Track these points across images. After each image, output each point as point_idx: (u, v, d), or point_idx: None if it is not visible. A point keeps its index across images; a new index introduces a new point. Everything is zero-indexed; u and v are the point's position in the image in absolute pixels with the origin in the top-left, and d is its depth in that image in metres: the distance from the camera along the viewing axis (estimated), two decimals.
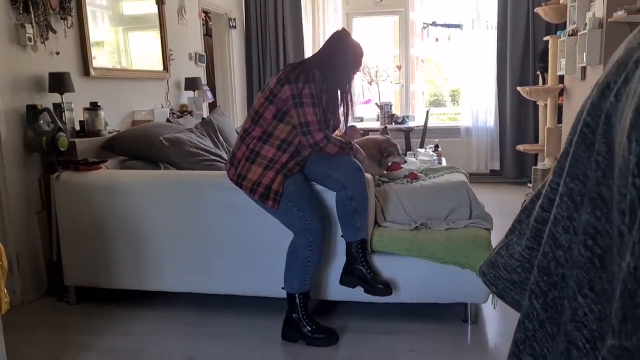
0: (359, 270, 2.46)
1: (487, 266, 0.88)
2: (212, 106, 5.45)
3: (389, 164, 3.09)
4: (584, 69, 4.41)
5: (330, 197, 2.55)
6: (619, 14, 3.63)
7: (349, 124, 2.87)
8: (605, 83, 0.64)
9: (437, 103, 7.69)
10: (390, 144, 3.04)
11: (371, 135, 3.21)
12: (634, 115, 0.53)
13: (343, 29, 2.62)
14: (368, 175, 2.58)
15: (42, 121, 3.03)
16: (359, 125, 6.05)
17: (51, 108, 3.09)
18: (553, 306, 0.71)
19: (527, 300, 0.74)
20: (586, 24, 4.19)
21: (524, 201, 0.93)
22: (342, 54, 2.49)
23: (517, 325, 0.75)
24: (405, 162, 3.22)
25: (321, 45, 2.63)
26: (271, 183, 2.41)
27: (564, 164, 0.71)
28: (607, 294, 0.62)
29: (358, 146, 2.66)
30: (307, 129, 2.35)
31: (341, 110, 2.58)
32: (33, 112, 2.99)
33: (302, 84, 2.34)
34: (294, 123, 2.38)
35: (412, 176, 3.00)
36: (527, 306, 0.74)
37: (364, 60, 2.69)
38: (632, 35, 0.64)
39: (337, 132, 2.61)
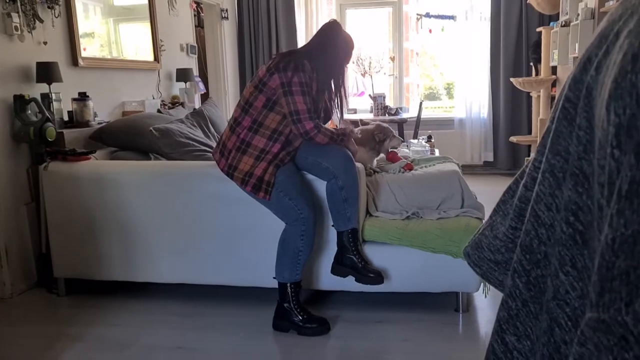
0: (349, 259, 2.45)
1: (472, 247, 0.88)
2: (204, 97, 5.42)
3: (389, 150, 3.07)
4: (576, 59, 4.41)
5: (321, 186, 2.54)
6: (611, 4, 3.62)
7: (344, 117, 2.86)
8: (587, 57, 0.63)
9: (432, 96, 7.68)
10: (382, 129, 3.02)
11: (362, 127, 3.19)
12: (612, 85, 0.52)
13: (334, 20, 2.61)
14: (359, 165, 2.57)
15: (29, 111, 3.00)
16: (353, 116, 6.04)
17: (39, 98, 3.06)
18: (536, 285, 0.71)
19: (510, 279, 0.73)
20: (578, 14, 4.19)
21: None
22: (333, 44, 2.48)
23: (500, 304, 0.74)
24: (403, 141, 3.20)
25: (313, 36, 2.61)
26: (263, 174, 2.39)
27: (546, 141, 0.70)
28: (589, 270, 0.62)
29: (352, 136, 2.64)
30: (297, 117, 2.34)
31: (335, 102, 2.58)
32: (20, 102, 2.96)
33: (292, 73, 2.33)
34: (284, 112, 2.37)
35: (408, 167, 2.99)
36: (510, 285, 0.73)
37: (356, 51, 2.68)
38: (615, 8, 0.63)
39: (330, 123, 2.60)
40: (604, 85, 0.56)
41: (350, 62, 2.67)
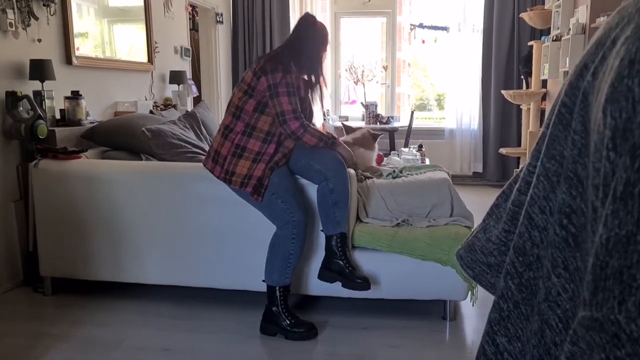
0: (337, 264, 2.45)
1: (465, 250, 0.88)
2: (197, 100, 5.41)
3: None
4: (566, 73, 4.47)
5: (313, 191, 2.54)
6: (602, 20, 3.68)
7: (325, 110, 2.91)
8: (583, 63, 0.65)
9: (422, 107, 7.73)
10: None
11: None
12: (609, 89, 0.53)
13: (307, 13, 2.68)
14: (350, 170, 2.59)
15: (21, 108, 2.98)
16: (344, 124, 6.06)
17: (31, 95, 3.04)
18: (528, 287, 0.72)
19: (502, 281, 0.74)
20: (570, 29, 4.25)
21: None
22: (310, 37, 2.54)
23: (492, 306, 0.75)
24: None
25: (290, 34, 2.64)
26: (262, 175, 2.41)
27: (541, 146, 0.71)
28: (581, 273, 0.63)
29: (343, 142, 2.66)
30: (283, 118, 2.37)
31: (315, 93, 2.61)
32: (12, 98, 2.94)
33: (278, 75, 2.36)
34: (273, 114, 2.39)
35: (379, 159, 3.03)
36: (502, 287, 0.74)
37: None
38: (611, 16, 0.65)
39: (322, 128, 2.62)
40: (600, 90, 0.57)
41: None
